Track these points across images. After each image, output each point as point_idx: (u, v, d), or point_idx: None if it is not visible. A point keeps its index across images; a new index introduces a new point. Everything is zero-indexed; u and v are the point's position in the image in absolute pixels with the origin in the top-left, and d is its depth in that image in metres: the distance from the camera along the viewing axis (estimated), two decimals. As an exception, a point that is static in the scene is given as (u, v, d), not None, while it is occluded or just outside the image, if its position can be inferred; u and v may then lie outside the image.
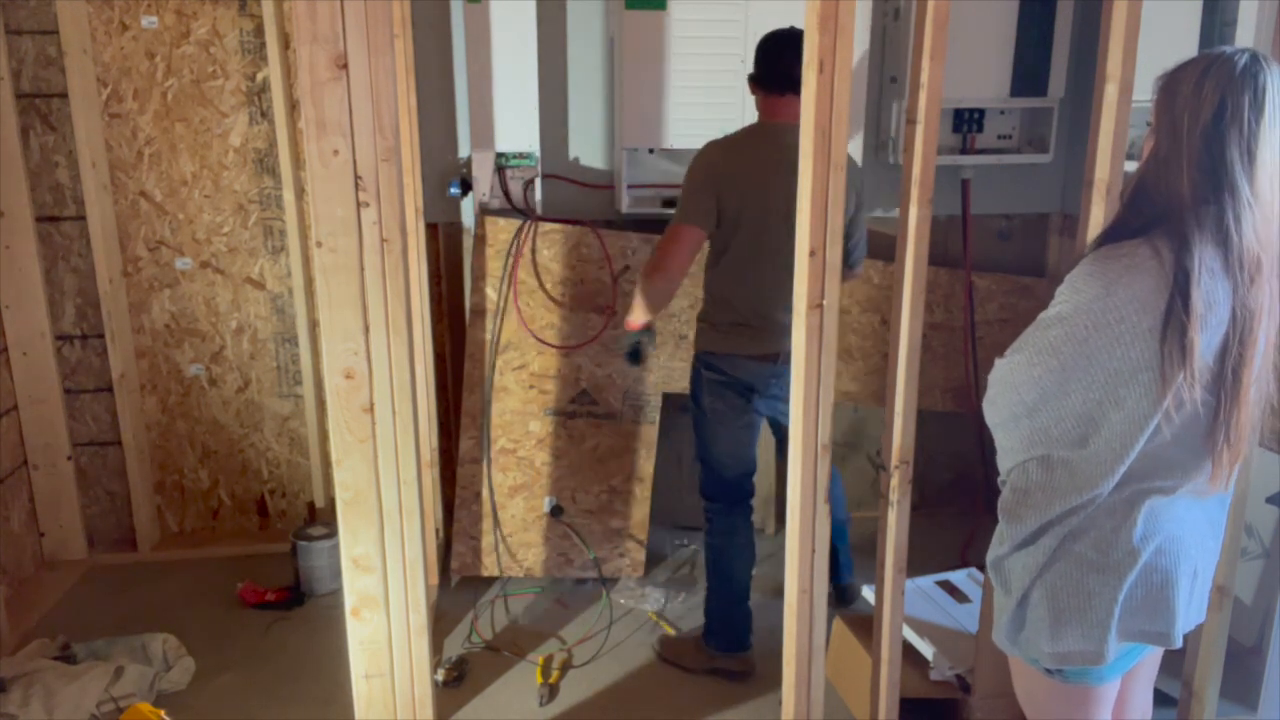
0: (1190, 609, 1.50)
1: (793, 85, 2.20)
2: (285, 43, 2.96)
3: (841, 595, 2.91)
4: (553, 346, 2.96)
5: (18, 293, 2.97)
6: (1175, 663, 2.26)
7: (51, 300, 3.06)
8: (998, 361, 1.51)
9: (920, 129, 1.82)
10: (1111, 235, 1.40)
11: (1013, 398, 1.45)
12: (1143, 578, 1.44)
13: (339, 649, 2.12)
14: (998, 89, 3.02)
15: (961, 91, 3.00)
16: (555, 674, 2.61)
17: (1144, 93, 2.69)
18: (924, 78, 1.80)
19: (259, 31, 2.99)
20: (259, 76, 3.04)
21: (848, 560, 2.94)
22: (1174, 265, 1.32)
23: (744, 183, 2.37)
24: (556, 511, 3.01)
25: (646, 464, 3.05)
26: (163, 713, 2.25)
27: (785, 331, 2.11)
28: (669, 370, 3.04)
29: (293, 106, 3.04)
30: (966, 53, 2.90)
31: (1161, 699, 2.35)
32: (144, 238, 3.12)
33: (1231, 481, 1.47)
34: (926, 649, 2.34)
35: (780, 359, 2.42)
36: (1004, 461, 1.54)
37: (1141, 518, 1.42)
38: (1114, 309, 1.33)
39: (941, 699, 2.32)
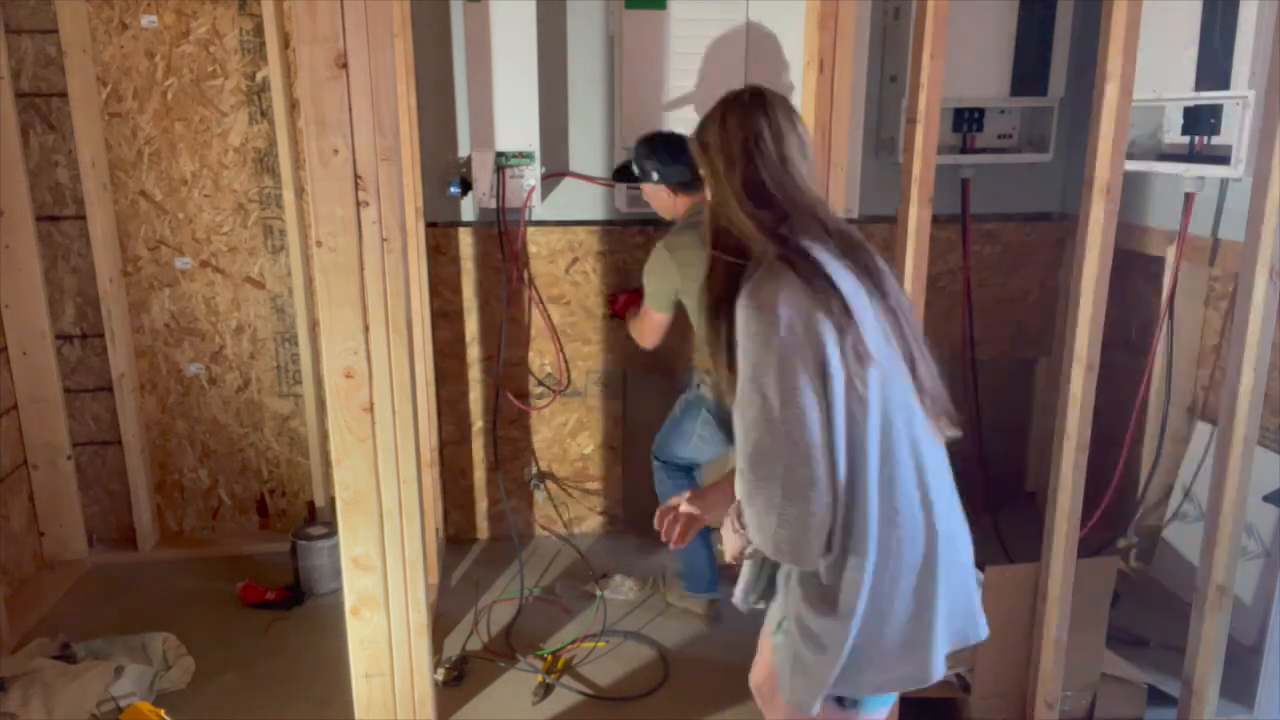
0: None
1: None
2: (285, 42, 2.96)
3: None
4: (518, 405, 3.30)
5: (18, 292, 2.97)
6: (1175, 662, 2.26)
7: (51, 300, 3.06)
8: (740, 461, 1.41)
9: (920, 128, 1.82)
10: (727, 267, 1.48)
11: (774, 466, 1.33)
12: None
13: (339, 649, 2.12)
14: (998, 88, 3.02)
15: (961, 91, 3.00)
16: (555, 674, 2.61)
17: (1144, 92, 2.70)
18: (924, 77, 1.80)
19: (259, 31, 2.99)
20: (259, 76, 3.04)
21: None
22: (796, 268, 1.37)
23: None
24: (537, 481, 3.34)
25: (615, 433, 3.37)
26: (162, 712, 2.25)
27: None
28: (628, 348, 3.25)
29: (292, 106, 3.03)
30: (966, 52, 2.90)
31: (1162, 698, 2.35)
32: (144, 237, 3.12)
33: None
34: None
35: None
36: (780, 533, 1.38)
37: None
38: (787, 327, 1.33)
39: (941, 698, 2.32)
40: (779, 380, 1.32)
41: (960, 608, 1.48)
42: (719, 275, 1.51)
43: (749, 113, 1.48)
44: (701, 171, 1.54)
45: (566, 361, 3.27)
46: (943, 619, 1.44)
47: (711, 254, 1.52)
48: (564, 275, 3.20)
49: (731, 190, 1.47)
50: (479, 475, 3.34)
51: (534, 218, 3.14)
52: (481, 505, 3.39)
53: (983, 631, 1.53)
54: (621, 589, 3.04)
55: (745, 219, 1.45)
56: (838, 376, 1.33)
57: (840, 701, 1.48)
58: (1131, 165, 2.70)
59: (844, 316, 1.35)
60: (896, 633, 1.42)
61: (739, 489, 1.42)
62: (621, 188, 3.04)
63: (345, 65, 1.72)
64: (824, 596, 1.40)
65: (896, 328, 1.43)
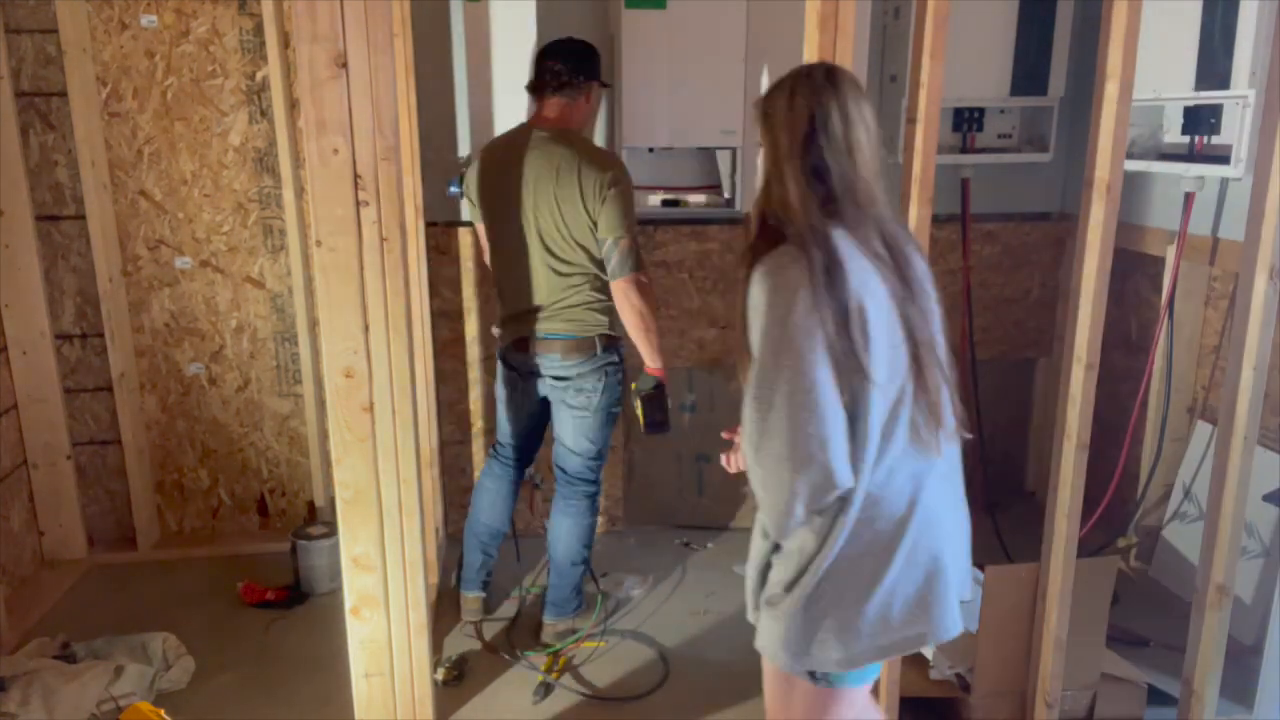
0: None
1: (539, 88, 2.50)
2: (285, 41, 2.96)
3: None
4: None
5: (18, 292, 2.97)
6: (1175, 662, 2.26)
7: (51, 299, 3.06)
8: (746, 437, 1.46)
9: (920, 128, 1.82)
10: (757, 250, 1.47)
11: (796, 439, 1.39)
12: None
13: (339, 648, 2.12)
14: (998, 88, 3.02)
15: (961, 91, 3.00)
16: (555, 674, 2.61)
17: (1144, 92, 2.69)
18: (924, 77, 1.80)
19: (259, 30, 2.99)
20: (259, 75, 3.04)
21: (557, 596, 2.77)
22: (818, 258, 1.40)
23: (488, 185, 2.56)
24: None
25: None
26: (162, 712, 2.25)
27: (532, 321, 2.53)
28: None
29: (292, 105, 3.03)
30: (966, 52, 2.90)
31: (1162, 698, 2.35)
32: (144, 237, 3.12)
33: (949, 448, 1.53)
34: (926, 648, 2.35)
35: (531, 347, 2.59)
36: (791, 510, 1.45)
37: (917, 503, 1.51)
38: (808, 309, 1.38)
39: (941, 698, 2.32)
40: (793, 358, 1.38)
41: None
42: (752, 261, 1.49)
43: (820, 92, 1.45)
44: (760, 141, 1.52)
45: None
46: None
47: (754, 243, 1.49)
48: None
49: (790, 169, 1.45)
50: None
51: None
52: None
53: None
54: (622, 588, 3.04)
55: (795, 201, 1.44)
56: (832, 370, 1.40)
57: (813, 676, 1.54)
58: (1131, 165, 2.70)
59: (841, 318, 1.38)
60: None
61: (749, 457, 1.46)
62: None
63: (345, 65, 1.73)
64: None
65: (913, 333, 1.45)
